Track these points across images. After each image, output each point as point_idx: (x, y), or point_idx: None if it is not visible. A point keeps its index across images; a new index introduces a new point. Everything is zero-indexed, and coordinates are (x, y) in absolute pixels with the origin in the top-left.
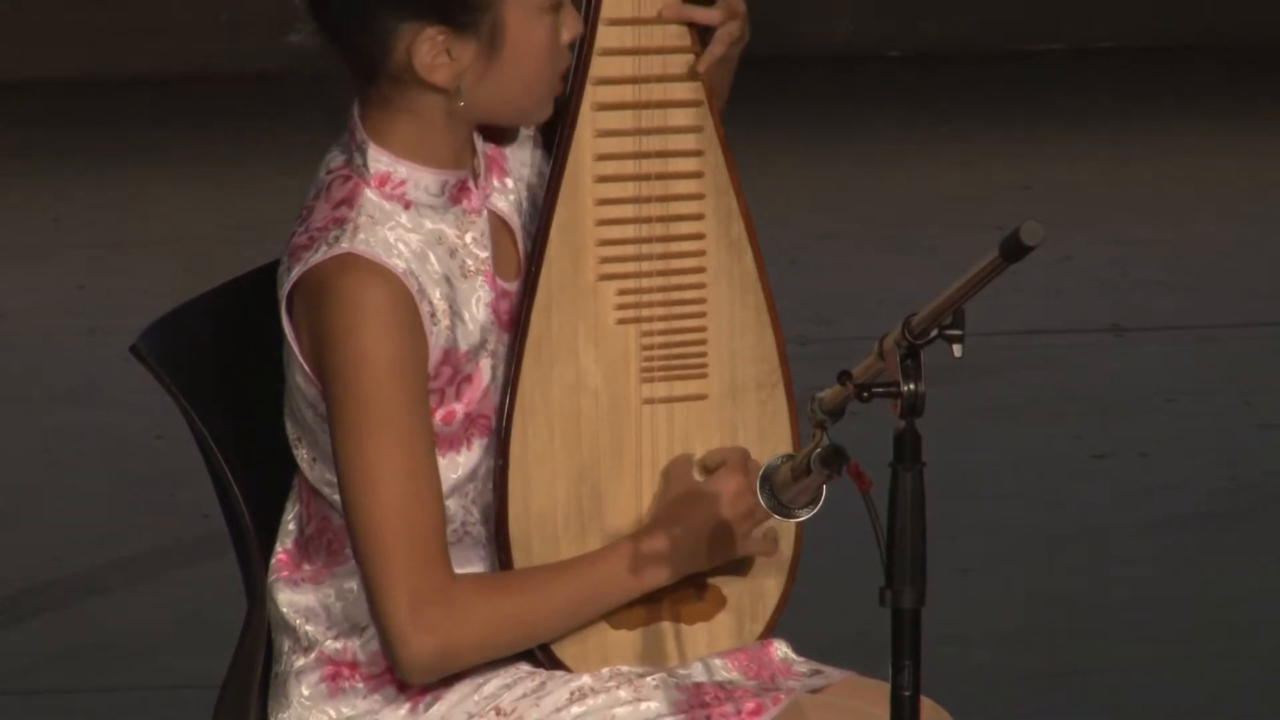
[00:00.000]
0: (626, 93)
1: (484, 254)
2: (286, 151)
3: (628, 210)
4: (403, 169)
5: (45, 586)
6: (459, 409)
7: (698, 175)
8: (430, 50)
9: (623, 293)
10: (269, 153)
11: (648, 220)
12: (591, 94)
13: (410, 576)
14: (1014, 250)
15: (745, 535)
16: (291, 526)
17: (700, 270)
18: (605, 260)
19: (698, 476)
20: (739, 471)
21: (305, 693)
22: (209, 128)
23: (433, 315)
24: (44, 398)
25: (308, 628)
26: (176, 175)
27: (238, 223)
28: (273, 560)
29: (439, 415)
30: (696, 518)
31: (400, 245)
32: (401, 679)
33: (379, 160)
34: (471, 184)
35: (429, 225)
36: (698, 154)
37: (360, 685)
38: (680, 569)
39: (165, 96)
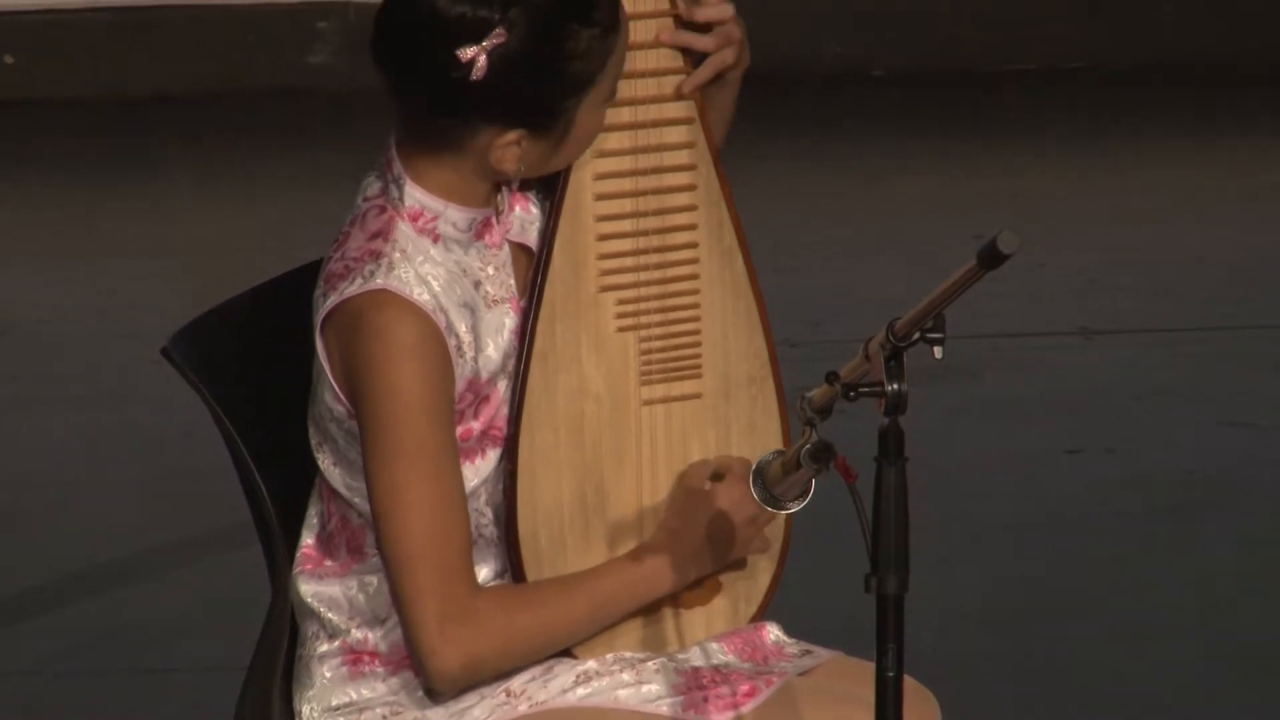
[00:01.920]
0: (623, 114)
1: (509, 282)
2: (302, 166)
3: (625, 224)
4: (436, 205)
5: (82, 574)
6: (476, 426)
7: (691, 188)
8: (505, 146)
9: (622, 301)
10: (288, 164)
11: (644, 233)
12: None
13: (437, 594)
14: (991, 258)
15: (747, 540)
16: (314, 522)
17: (694, 277)
18: (605, 272)
19: (707, 484)
20: (742, 480)
21: (327, 675)
22: (233, 142)
23: (459, 348)
24: (80, 397)
25: (331, 616)
26: (201, 187)
27: (257, 232)
28: (298, 553)
29: (458, 432)
30: (702, 525)
31: (430, 279)
32: (431, 687)
33: (414, 196)
34: (494, 219)
35: (455, 258)
36: (690, 168)
37: (380, 670)
38: (688, 575)
39: (191, 112)
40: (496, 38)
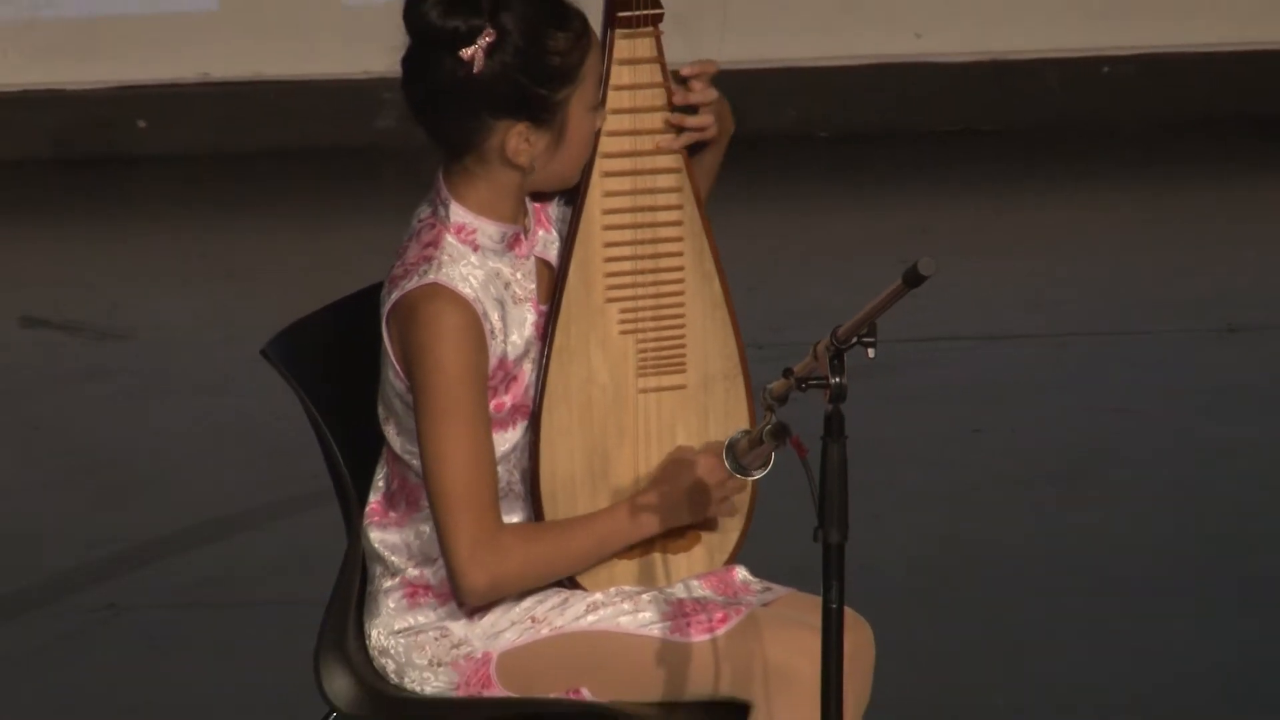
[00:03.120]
0: (626, 164)
1: (531, 286)
2: (371, 206)
3: (626, 250)
4: (475, 221)
5: (194, 528)
6: (507, 400)
7: (678, 223)
8: (517, 140)
9: (623, 310)
10: (359, 206)
11: (641, 257)
12: (601, 165)
13: (469, 527)
14: (913, 279)
15: (718, 500)
16: (380, 484)
17: (681, 293)
18: (610, 286)
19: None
20: (714, 454)
21: (391, 605)
22: (315, 188)
23: (492, 333)
24: (190, 390)
25: (393, 558)
26: (289, 223)
27: (334, 259)
28: (366, 508)
29: (492, 405)
30: (683, 486)
31: (470, 278)
32: (461, 602)
33: (458, 214)
34: (523, 235)
35: (491, 264)
36: (678, 208)
37: (432, 601)
38: (669, 523)
39: (282, 165)
40: (488, 37)
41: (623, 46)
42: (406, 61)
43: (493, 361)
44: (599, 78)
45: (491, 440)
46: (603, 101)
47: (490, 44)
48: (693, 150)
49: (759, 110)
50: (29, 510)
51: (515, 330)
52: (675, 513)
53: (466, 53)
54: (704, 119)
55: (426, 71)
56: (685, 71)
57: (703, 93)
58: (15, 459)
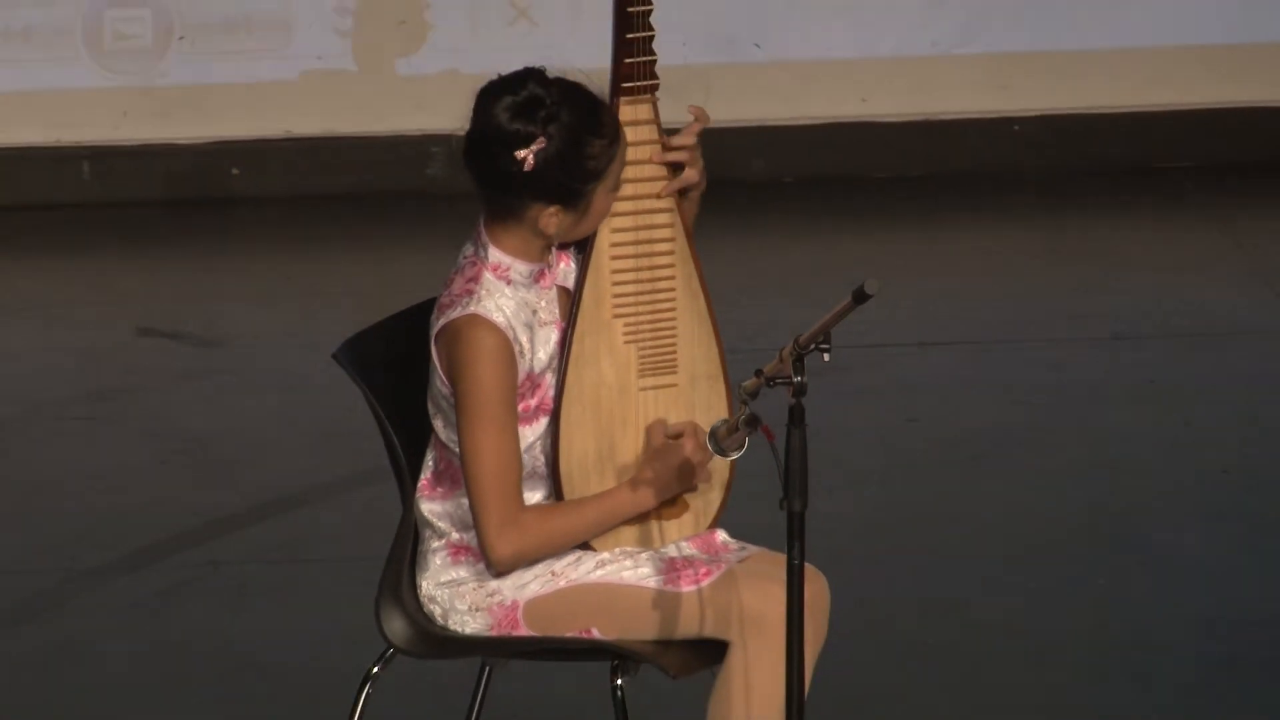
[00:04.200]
0: (628, 205)
1: (555, 310)
2: (423, 239)
3: (629, 275)
4: (509, 260)
5: (275, 499)
6: (533, 402)
7: (671, 253)
8: (548, 218)
9: (626, 324)
10: (412, 238)
11: (641, 280)
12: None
13: (496, 509)
14: (860, 297)
15: (703, 478)
16: (429, 464)
17: (672, 309)
18: (616, 305)
19: (669, 439)
20: (693, 435)
21: (437, 562)
22: (376, 224)
23: (521, 353)
24: (274, 387)
25: (440, 524)
26: (355, 252)
27: (392, 281)
28: (418, 484)
29: (521, 406)
30: (673, 467)
31: (504, 308)
32: (490, 569)
33: (495, 255)
34: (547, 271)
35: (521, 295)
36: (670, 240)
37: (470, 559)
38: (662, 495)
39: (350, 207)
40: (539, 144)
41: (626, 111)
42: (472, 140)
43: (521, 374)
44: (621, 166)
45: (517, 441)
46: (619, 186)
47: (540, 149)
48: (682, 193)
49: (736, 161)
50: (145, 484)
51: (541, 348)
52: (668, 488)
53: (521, 153)
54: (691, 174)
55: (487, 158)
56: (691, 115)
57: (686, 138)
58: (134, 443)
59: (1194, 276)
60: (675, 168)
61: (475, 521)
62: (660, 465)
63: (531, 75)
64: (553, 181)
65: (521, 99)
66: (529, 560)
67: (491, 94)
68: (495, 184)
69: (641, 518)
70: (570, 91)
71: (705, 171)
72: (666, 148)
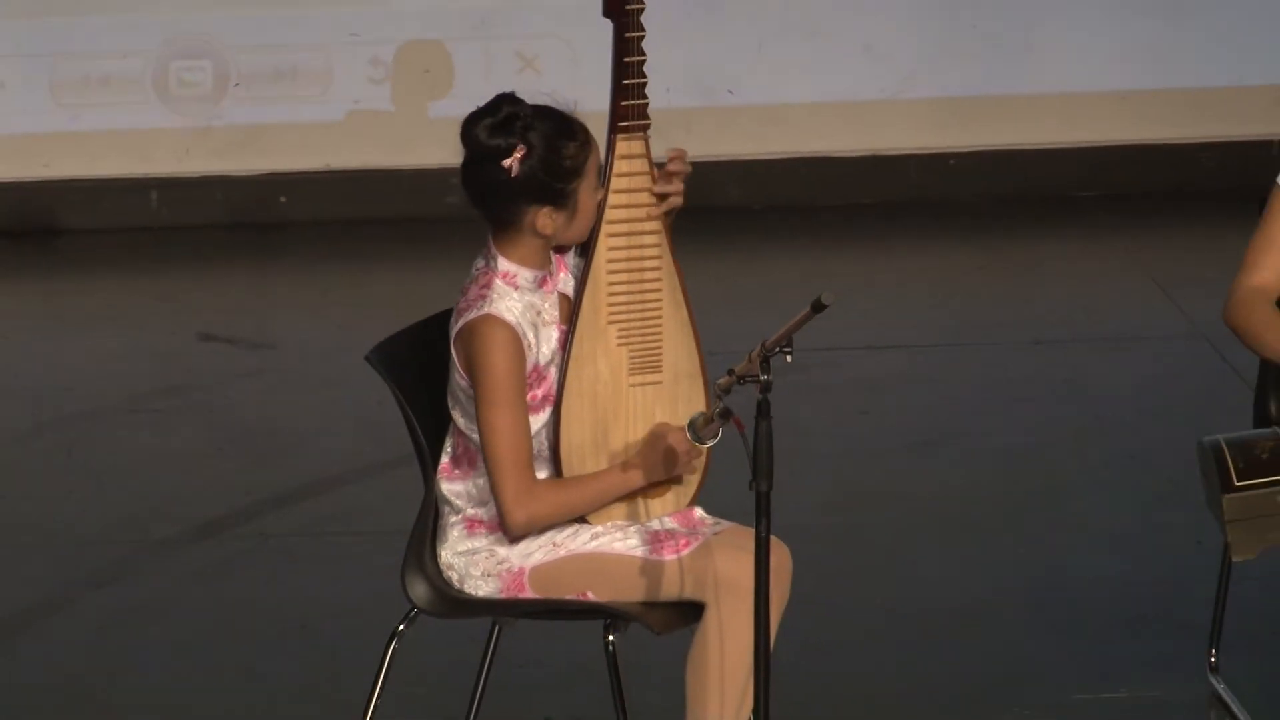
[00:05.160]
0: (623, 227)
1: (555, 313)
2: (444, 257)
3: (622, 286)
4: (515, 268)
5: (319, 480)
6: (539, 393)
7: (658, 267)
8: (544, 218)
9: (619, 329)
10: (436, 256)
11: (632, 291)
12: (605, 229)
13: (513, 482)
14: (819, 306)
15: (685, 463)
16: (449, 449)
17: (659, 316)
18: (611, 312)
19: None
20: (680, 431)
21: (455, 534)
22: (405, 245)
23: (529, 347)
24: (317, 384)
25: (457, 501)
26: (387, 269)
27: (418, 294)
28: (439, 467)
29: (529, 395)
30: (659, 452)
31: (513, 309)
32: (508, 533)
33: (503, 264)
34: (549, 277)
35: (527, 298)
36: (658, 256)
37: (484, 532)
38: (650, 479)
39: (383, 229)
40: (521, 152)
41: (622, 147)
42: (465, 168)
43: (529, 367)
44: (599, 167)
45: (528, 421)
46: (604, 182)
47: (522, 156)
48: (667, 211)
49: (713, 190)
50: (206, 467)
51: (545, 345)
52: (654, 471)
53: (506, 163)
54: (677, 193)
55: (479, 175)
56: (669, 156)
57: (677, 164)
58: (196, 433)
59: (1105, 290)
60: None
61: (494, 491)
62: (649, 451)
63: (504, 98)
64: (539, 184)
65: (499, 118)
66: (541, 526)
67: (472, 120)
68: (491, 197)
69: (630, 497)
70: (540, 108)
71: (685, 195)
72: (668, 172)
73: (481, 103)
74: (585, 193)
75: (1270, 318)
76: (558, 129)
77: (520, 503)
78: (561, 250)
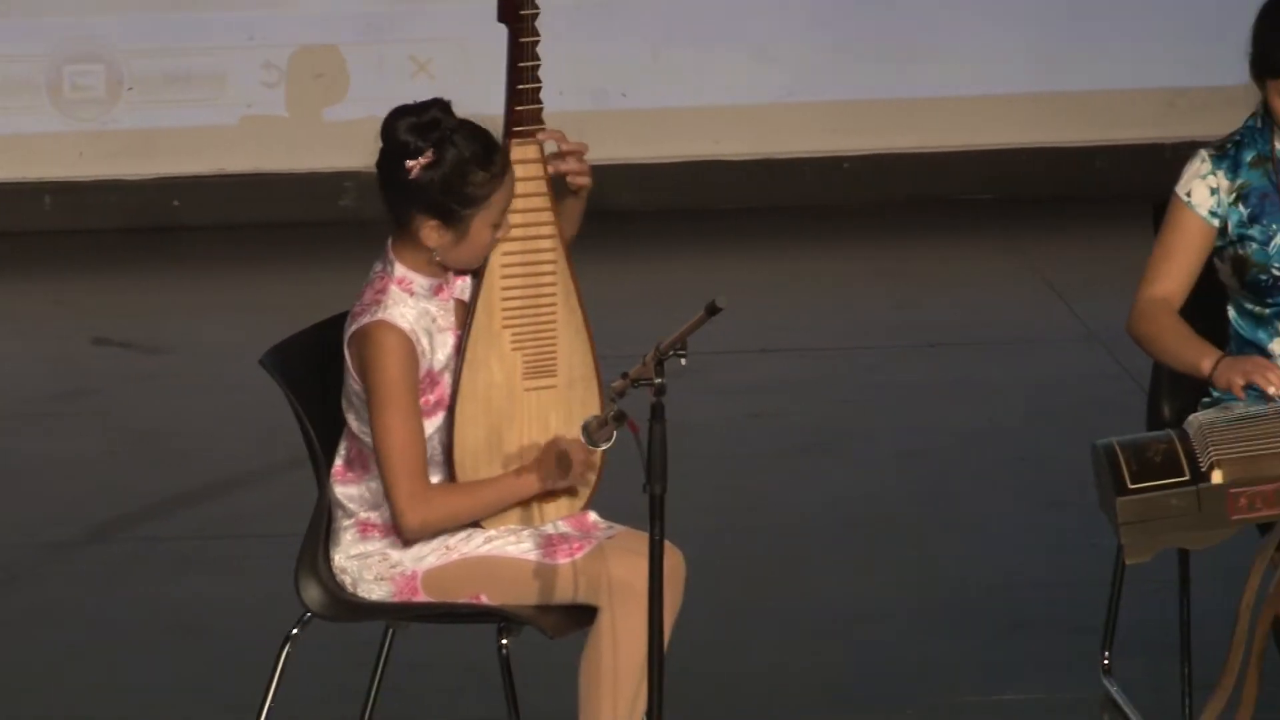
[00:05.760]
0: (518, 231)
1: (451, 319)
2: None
3: (516, 291)
4: (411, 275)
5: (215, 482)
6: (432, 398)
7: (553, 271)
8: (428, 230)
9: (514, 334)
10: (329, 259)
11: (526, 296)
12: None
13: (406, 485)
14: (712, 310)
15: (579, 467)
16: (342, 452)
17: (553, 320)
18: (505, 317)
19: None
20: (578, 440)
21: (348, 538)
22: (300, 248)
23: (423, 353)
24: (212, 388)
25: (351, 505)
26: (281, 272)
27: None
28: (332, 470)
29: (421, 401)
30: (554, 456)
31: (407, 315)
32: (402, 537)
33: (399, 270)
34: (445, 285)
35: (422, 305)
36: (553, 260)
37: (377, 535)
38: (546, 485)
39: (276, 232)
40: (426, 158)
41: (516, 151)
42: (379, 157)
43: (422, 371)
44: (505, 206)
45: (421, 425)
46: (504, 224)
47: (426, 163)
48: (565, 196)
49: (607, 194)
50: (98, 472)
51: (440, 350)
52: (549, 478)
53: (409, 164)
54: (582, 165)
55: (384, 167)
56: (564, 148)
57: (573, 147)
58: (89, 437)
59: (995, 292)
60: (560, 197)
61: (388, 494)
62: (546, 459)
63: (438, 104)
64: (432, 195)
65: (423, 120)
66: (434, 530)
67: (398, 113)
68: (387, 191)
69: (525, 501)
70: (469, 126)
71: (590, 172)
72: (562, 152)
73: (377, 108)
74: (480, 224)
75: (1173, 326)
76: (475, 153)
77: (413, 507)
78: (449, 269)
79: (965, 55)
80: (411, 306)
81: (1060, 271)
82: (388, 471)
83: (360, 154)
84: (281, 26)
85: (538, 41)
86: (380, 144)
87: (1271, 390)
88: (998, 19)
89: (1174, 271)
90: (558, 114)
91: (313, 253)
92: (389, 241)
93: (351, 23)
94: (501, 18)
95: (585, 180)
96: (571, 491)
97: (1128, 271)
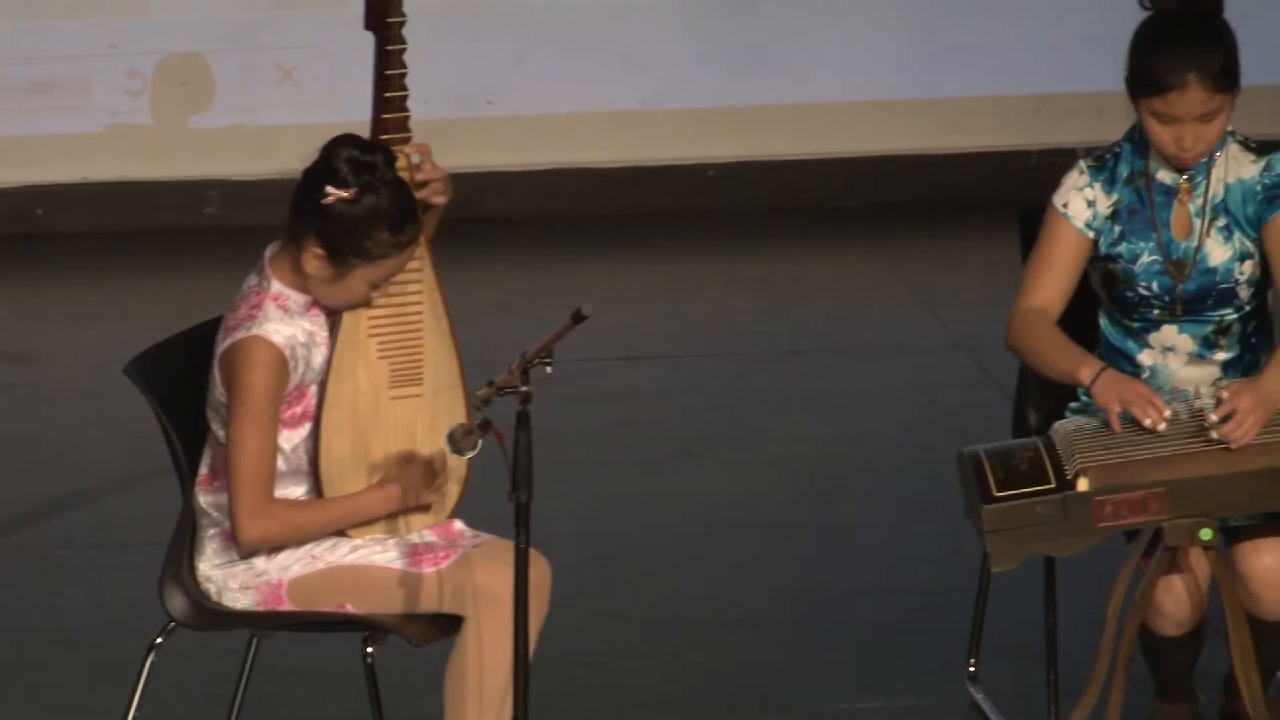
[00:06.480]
0: None
1: (324, 334)
2: (202, 268)
3: (382, 300)
4: (287, 291)
5: (79, 491)
6: (298, 410)
7: (419, 281)
8: (310, 256)
9: (380, 342)
10: (194, 267)
11: (392, 305)
12: None
13: (249, 497)
14: (578, 317)
15: (437, 487)
16: (207, 461)
17: (419, 329)
18: (371, 326)
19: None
20: (439, 457)
21: (213, 547)
22: (165, 256)
23: (295, 368)
24: (75, 396)
25: (215, 514)
26: (147, 279)
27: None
28: (197, 479)
29: (287, 413)
30: (419, 467)
31: (280, 331)
32: (237, 548)
33: (275, 286)
34: (317, 302)
35: (296, 322)
36: (420, 270)
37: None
38: (407, 501)
39: (141, 241)
40: (347, 194)
41: None
42: (310, 166)
43: (292, 385)
44: (391, 275)
45: (275, 442)
46: (382, 288)
47: (344, 197)
48: (424, 205)
49: (471, 201)
50: None
51: (312, 365)
52: (412, 491)
53: (329, 189)
54: (436, 189)
55: (306, 178)
56: (423, 176)
57: (434, 171)
58: None
59: (863, 300)
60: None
61: (230, 505)
62: (406, 470)
63: (385, 152)
64: (333, 229)
65: (363, 160)
66: (272, 545)
67: (346, 141)
68: (296, 200)
69: (390, 514)
70: (401, 188)
71: (451, 188)
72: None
73: (243, 116)
74: (360, 277)
75: (1052, 336)
76: (391, 214)
77: (253, 520)
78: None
79: (832, 62)
80: (286, 323)
81: (926, 278)
82: (234, 482)
83: (226, 162)
84: (147, 34)
85: (404, 49)
86: (316, 155)
87: (1148, 423)
88: (864, 26)
89: (1052, 282)
90: (424, 122)
91: (178, 261)
92: (265, 255)
93: (217, 31)
94: (368, 25)
95: (442, 200)
96: (437, 500)
97: (994, 278)
